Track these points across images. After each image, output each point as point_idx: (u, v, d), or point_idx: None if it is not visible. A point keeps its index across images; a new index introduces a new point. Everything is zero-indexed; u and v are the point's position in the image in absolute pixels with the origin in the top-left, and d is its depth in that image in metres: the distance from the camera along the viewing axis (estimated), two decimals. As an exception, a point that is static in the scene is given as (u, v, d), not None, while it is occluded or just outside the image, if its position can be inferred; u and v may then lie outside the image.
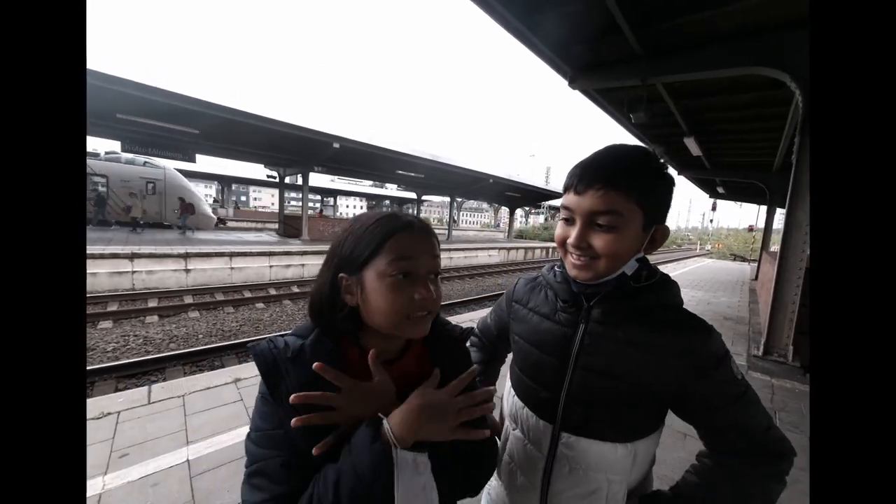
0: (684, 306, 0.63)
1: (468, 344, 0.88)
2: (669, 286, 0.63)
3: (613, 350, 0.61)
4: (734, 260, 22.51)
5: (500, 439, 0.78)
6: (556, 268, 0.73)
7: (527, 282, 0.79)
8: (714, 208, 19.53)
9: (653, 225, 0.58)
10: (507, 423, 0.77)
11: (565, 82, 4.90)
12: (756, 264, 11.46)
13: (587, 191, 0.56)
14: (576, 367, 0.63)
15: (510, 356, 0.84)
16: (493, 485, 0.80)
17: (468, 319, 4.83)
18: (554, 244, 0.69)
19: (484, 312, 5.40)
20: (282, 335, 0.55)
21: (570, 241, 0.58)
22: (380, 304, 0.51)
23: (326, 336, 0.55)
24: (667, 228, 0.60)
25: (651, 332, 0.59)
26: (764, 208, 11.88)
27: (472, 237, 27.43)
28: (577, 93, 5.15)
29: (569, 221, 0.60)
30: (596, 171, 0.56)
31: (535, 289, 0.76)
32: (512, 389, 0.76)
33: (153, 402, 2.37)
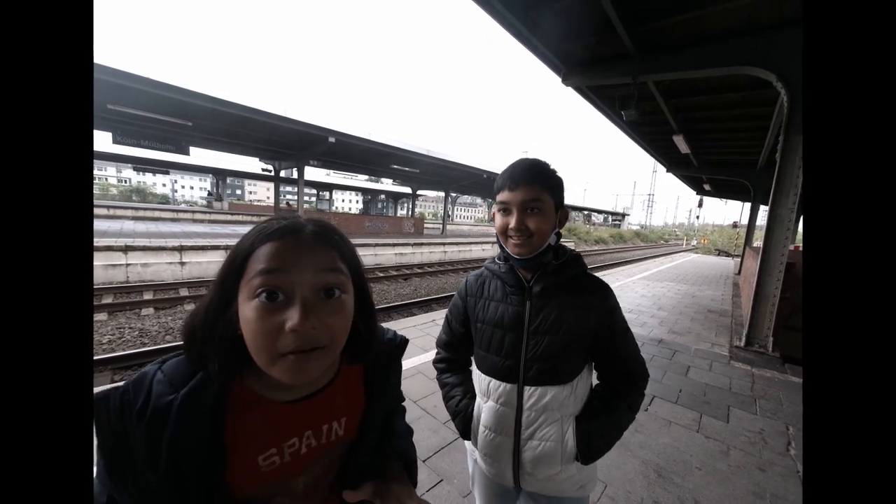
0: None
1: (439, 374, 1.03)
2: (578, 260, 0.87)
3: (553, 314, 0.82)
4: (718, 255, 22.79)
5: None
6: (496, 260, 0.91)
7: (476, 277, 0.95)
8: (700, 205, 19.87)
9: (559, 209, 0.81)
10: (478, 399, 0.92)
11: (559, 80, 4.97)
12: (739, 259, 11.72)
13: (518, 188, 0.76)
14: (529, 334, 0.83)
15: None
16: (476, 452, 0.93)
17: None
18: None
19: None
20: (154, 374, 0.43)
21: (512, 225, 0.77)
22: (247, 337, 0.40)
23: (213, 380, 0.42)
24: (567, 210, 0.84)
25: (575, 295, 0.83)
26: (748, 205, 12.12)
27: (467, 231, 27.53)
28: (570, 90, 5.22)
29: (505, 212, 0.79)
30: (523, 174, 0.77)
31: (484, 282, 0.93)
32: (479, 371, 0.92)
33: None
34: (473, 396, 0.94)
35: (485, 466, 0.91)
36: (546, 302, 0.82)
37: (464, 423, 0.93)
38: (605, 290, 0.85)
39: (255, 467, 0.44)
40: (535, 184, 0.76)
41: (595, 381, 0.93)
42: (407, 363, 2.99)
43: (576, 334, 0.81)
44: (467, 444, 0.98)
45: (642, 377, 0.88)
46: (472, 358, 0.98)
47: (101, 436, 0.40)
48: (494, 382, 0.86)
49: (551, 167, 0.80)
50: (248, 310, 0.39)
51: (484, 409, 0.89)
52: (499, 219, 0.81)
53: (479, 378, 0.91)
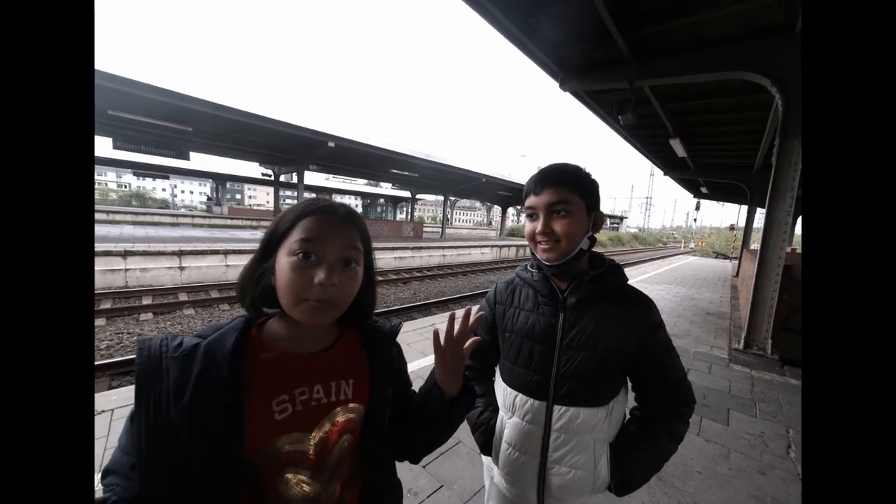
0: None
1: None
2: (618, 270, 0.81)
3: (589, 327, 0.76)
4: (716, 257, 22.81)
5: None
6: (529, 267, 0.86)
7: (506, 285, 0.91)
8: (698, 208, 20.02)
9: (593, 212, 0.77)
10: (501, 414, 0.87)
11: (556, 84, 5.01)
12: (737, 261, 11.74)
13: (543, 191, 0.74)
14: (561, 348, 0.78)
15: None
16: (495, 469, 0.89)
17: (462, 316, 4.90)
18: None
19: (475, 308, 5.41)
20: (183, 336, 0.52)
21: (538, 229, 0.75)
22: (280, 283, 0.51)
23: (249, 324, 0.55)
24: (603, 214, 0.80)
25: (613, 308, 0.77)
26: (745, 208, 12.18)
27: (466, 235, 27.57)
28: (567, 95, 5.26)
29: (533, 217, 0.77)
30: (547, 177, 0.75)
31: (515, 289, 0.88)
32: (504, 384, 0.87)
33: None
34: (496, 410, 0.89)
35: (505, 485, 0.86)
36: (581, 314, 0.77)
37: (484, 438, 0.88)
38: (647, 303, 0.79)
39: (269, 412, 0.51)
40: (561, 186, 0.73)
41: (632, 404, 0.87)
42: (409, 367, 2.98)
43: (613, 350, 0.75)
44: (485, 459, 0.93)
45: (687, 403, 0.80)
46: (497, 368, 0.93)
47: (138, 363, 0.48)
48: (521, 398, 0.81)
49: (583, 170, 0.77)
50: (286, 263, 0.51)
51: (507, 424, 0.84)
52: (527, 225, 0.78)
53: (503, 391, 0.86)
